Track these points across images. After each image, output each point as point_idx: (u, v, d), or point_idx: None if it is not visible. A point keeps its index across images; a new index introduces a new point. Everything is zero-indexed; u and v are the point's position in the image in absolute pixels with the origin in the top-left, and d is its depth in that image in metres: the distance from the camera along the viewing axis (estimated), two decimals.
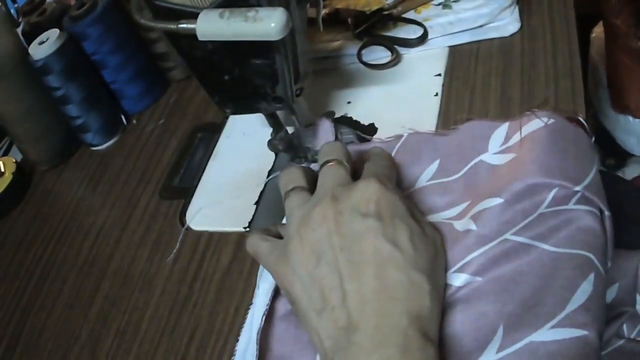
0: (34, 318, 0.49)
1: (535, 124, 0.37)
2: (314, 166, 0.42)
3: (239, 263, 0.44)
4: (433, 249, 0.33)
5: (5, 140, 0.72)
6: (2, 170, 0.62)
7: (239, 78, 0.39)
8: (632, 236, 0.47)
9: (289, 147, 0.47)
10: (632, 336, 0.41)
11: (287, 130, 0.46)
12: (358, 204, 0.32)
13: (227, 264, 0.45)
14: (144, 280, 0.47)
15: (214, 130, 0.56)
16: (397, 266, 0.30)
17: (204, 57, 0.38)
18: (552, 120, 0.36)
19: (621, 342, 0.41)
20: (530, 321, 0.29)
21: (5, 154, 0.70)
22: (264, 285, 0.38)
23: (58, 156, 0.63)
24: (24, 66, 0.58)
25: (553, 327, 0.29)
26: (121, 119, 0.63)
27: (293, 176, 0.37)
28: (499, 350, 0.29)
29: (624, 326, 0.41)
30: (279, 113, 0.45)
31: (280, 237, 0.37)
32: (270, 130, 0.46)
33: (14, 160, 0.63)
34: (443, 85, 0.49)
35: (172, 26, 0.36)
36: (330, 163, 0.36)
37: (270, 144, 0.46)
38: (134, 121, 0.64)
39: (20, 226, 0.59)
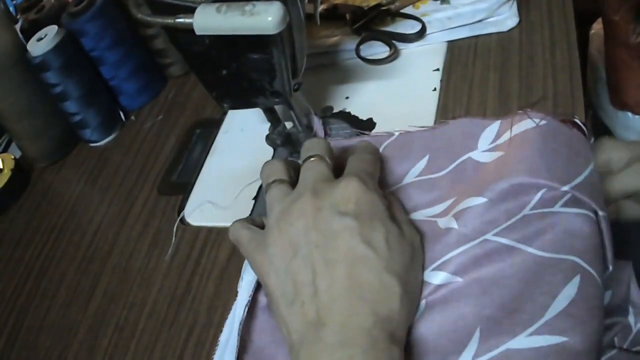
0: (32, 314, 0.49)
1: (527, 123, 0.36)
2: None
3: (237, 258, 0.44)
4: (410, 252, 0.33)
5: (4, 137, 0.72)
6: (1, 167, 0.61)
7: (237, 73, 0.39)
8: (631, 235, 0.47)
9: (287, 142, 0.47)
10: (624, 346, 0.41)
11: (285, 125, 0.46)
12: (337, 202, 0.32)
13: (225, 259, 0.45)
14: (142, 276, 0.47)
15: (212, 126, 0.56)
16: (370, 267, 0.30)
17: (201, 52, 0.38)
18: (544, 122, 0.36)
19: (613, 352, 0.41)
20: (507, 327, 0.29)
21: (4, 150, 0.70)
22: (247, 277, 0.38)
23: (57, 153, 0.63)
24: (23, 63, 0.57)
25: (530, 334, 0.28)
26: (120, 115, 0.63)
27: (274, 169, 0.38)
28: (475, 356, 0.29)
29: (615, 338, 0.41)
30: (277, 108, 0.45)
31: (263, 227, 0.37)
32: (268, 125, 0.46)
33: (13, 157, 0.63)
34: (441, 80, 0.49)
35: (170, 21, 0.36)
36: (312, 158, 0.36)
37: (268, 139, 0.46)
38: (133, 117, 0.64)
39: (19, 223, 0.59)
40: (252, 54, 0.38)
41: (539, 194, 0.33)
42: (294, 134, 0.47)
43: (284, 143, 0.46)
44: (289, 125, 0.47)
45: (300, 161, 0.38)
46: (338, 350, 0.28)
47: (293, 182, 0.37)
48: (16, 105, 0.59)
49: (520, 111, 0.37)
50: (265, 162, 0.39)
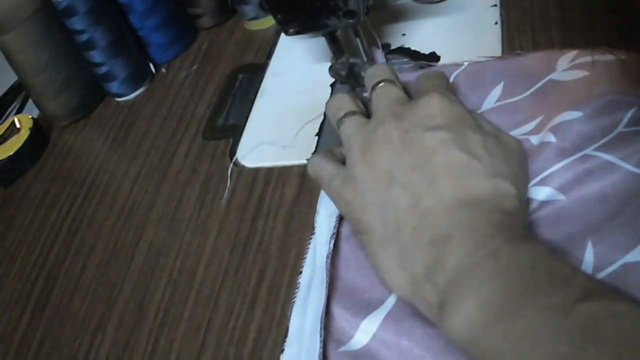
0: (63, 279, 0.45)
1: (607, 57, 0.35)
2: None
3: (307, 195, 0.40)
4: (512, 154, 0.31)
5: (18, 99, 0.66)
6: (18, 126, 0.56)
7: None
8: None
9: (350, 75, 0.44)
10: None
11: (348, 57, 0.43)
12: (423, 120, 0.30)
13: (292, 197, 0.41)
14: (195, 223, 0.43)
15: (257, 71, 0.53)
16: (477, 174, 0.28)
17: None
18: (624, 57, 0.35)
19: None
20: (621, 242, 0.27)
21: (18, 112, 0.64)
22: (324, 212, 0.35)
23: (79, 110, 0.58)
24: (45, 9, 0.53)
25: None
26: (149, 67, 0.59)
27: (343, 102, 0.35)
28: (593, 273, 0.27)
29: None
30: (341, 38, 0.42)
31: (344, 161, 0.34)
32: (320, 65, 0.43)
33: (31, 117, 0.57)
34: (501, 14, 0.47)
35: None
36: (382, 83, 0.34)
37: (332, 70, 0.43)
38: (164, 69, 0.60)
39: (39, 185, 0.54)
40: None
41: (631, 112, 0.32)
42: (358, 66, 0.44)
43: (348, 76, 0.43)
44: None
45: (366, 92, 0.36)
46: (470, 256, 0.25)
47: (364, 114, 0.35)
48: (36, 57, 0.54)
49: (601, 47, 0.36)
50: (331, 97, 0.36)
